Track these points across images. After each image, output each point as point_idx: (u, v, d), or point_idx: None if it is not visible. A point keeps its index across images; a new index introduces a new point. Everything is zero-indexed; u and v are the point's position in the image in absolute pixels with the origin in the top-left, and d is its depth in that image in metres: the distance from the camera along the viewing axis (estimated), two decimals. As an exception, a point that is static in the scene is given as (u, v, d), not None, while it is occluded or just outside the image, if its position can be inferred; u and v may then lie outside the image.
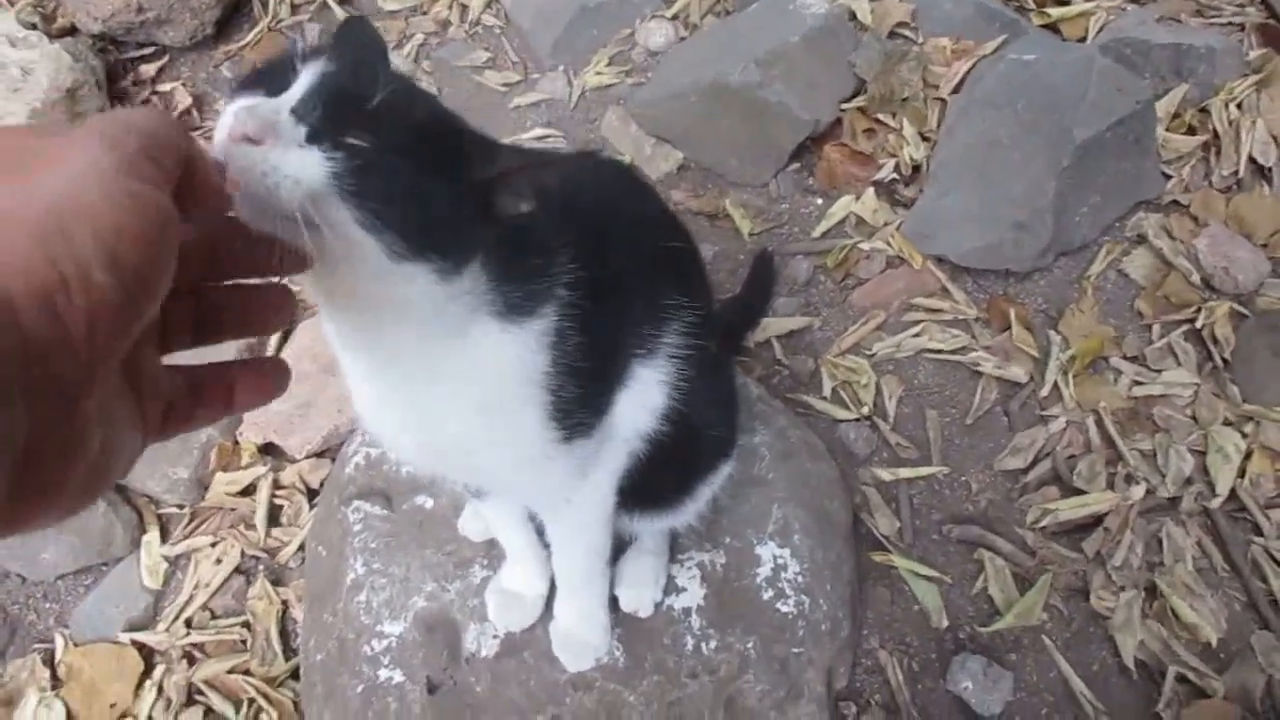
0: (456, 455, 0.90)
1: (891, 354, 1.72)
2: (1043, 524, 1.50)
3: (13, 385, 0.34)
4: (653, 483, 1.04)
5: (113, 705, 1.40)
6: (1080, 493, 1.52)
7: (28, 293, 0.34)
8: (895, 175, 1.97)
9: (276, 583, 1.50)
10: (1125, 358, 1.70)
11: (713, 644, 1.25)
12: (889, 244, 1.86)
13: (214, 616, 1.49)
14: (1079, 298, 1.78)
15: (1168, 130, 1.95)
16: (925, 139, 1.99)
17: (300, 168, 0.56)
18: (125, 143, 0.40)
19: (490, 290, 0.74)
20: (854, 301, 1.80)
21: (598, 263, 0.84)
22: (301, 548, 1.52)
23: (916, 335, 1.74)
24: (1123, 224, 1.87)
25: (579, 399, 0.84)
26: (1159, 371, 1.68)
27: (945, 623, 1.42)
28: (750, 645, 1.25)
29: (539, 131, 2.13)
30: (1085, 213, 1.81)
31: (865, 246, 1.87)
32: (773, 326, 1.74)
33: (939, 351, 1.72)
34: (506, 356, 0.78)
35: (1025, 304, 1.78)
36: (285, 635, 1.45)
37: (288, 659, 1.42)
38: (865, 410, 1.64)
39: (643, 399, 0.95)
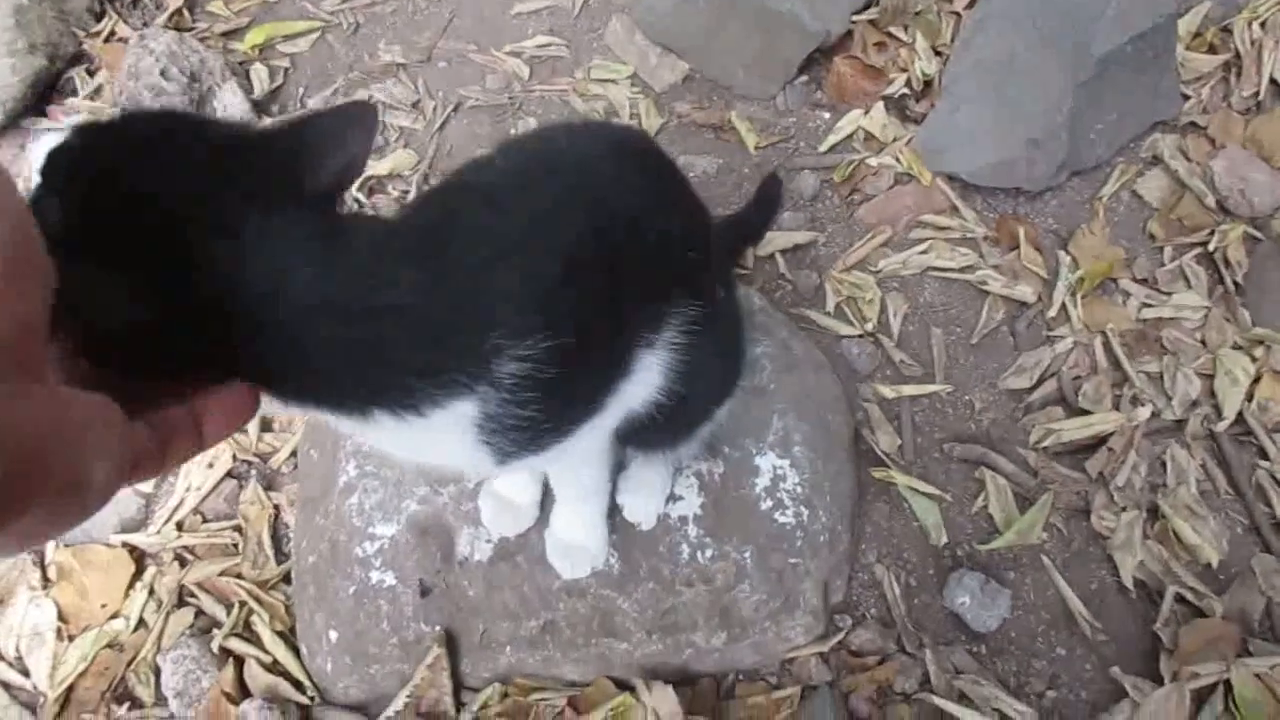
0: None
1: (897, 271, 1.68)
2: (1045, 444, 1.48)
3: None
4: (650, 432, 1.00)
5: (104, 605, 1.39)
6: (1085, 413, 1.50)
7: None
8: (906, 90, 1.91)
9: (269, 488, 1.49)
10: (1135, 280, 1.67)
11: (709, 553, 1.23)
12: (898, 160, 1.82)
13: (205, 520, 1.48)
14: (1090, 218, 1.74)
15: (1188, 49, 1.89)
16: (938, 53, 1.93)
17: None
18: None
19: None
20: (860, 217, 1.76)
21: (600, 302, 0.78)
22: (294, 454, 1.50)
23: (923, 253, 1.70)
24: (1138, 144, 1.82)
25: (533, 442, 0.77)
26: (1169, 294, 1.64)
27: (944, 540, 1.40)
28: (747, 555, 1.23)
29: (540, 39, 2.07)
30: (1100, 131, 1.76)
31: (873, 162, 1.82)
32: (777, 240, 1.70)
33: (946, 269, 1.69)
34: (416, 441, 0.72)
35: (1035, 224, 1.74)
36: (277, 540, 1.44)
37: (279, 563, 1.41)
38: (869, 327, 1.61)
39: (639, 379, 0.89)
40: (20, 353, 0.39)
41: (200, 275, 0.53)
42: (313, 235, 0.57)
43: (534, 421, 0.73)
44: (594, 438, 0.91)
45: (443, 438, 0.71)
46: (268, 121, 1.96)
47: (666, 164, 0.96)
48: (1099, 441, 1.47)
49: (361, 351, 0.62)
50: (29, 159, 1.88)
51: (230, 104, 1.93)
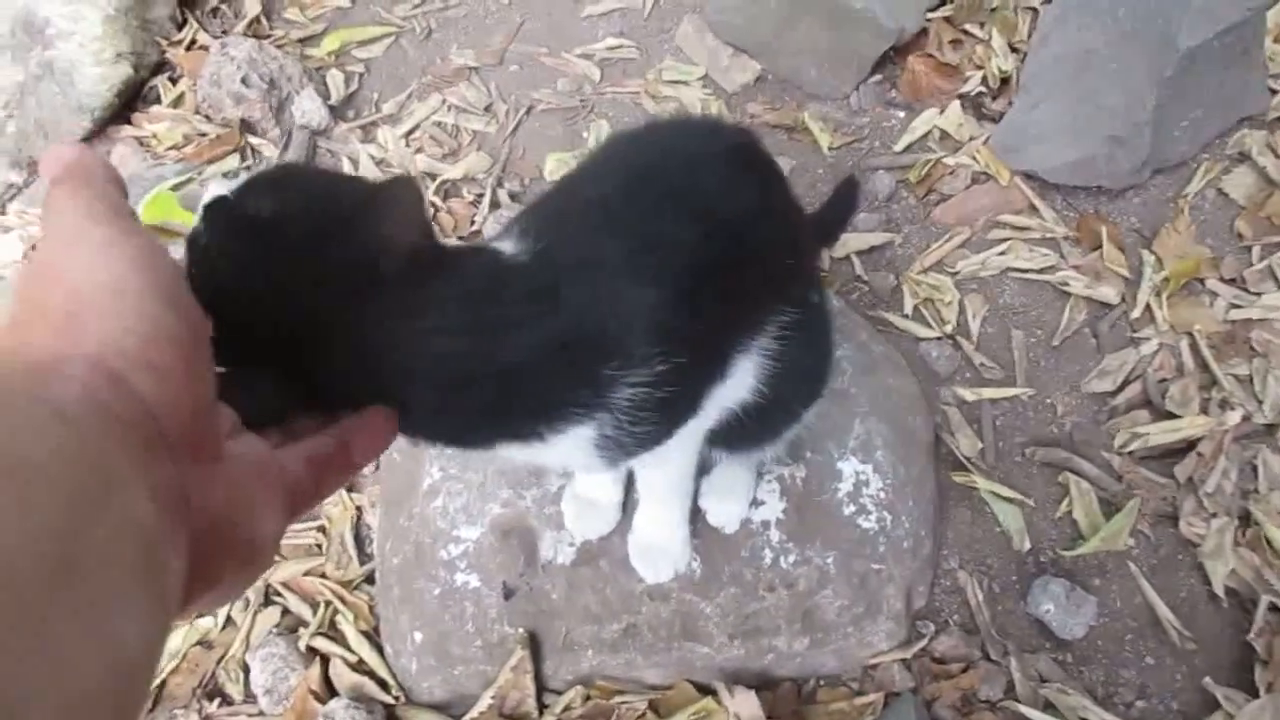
0: None
1: (976, 272, 1.66)
2: (1131, 448, 1.45)
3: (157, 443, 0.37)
4: (737, 433, 1.00)
5: (193, 603, 1.42)
6: (1172, 417, 1.47)
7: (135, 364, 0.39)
8: (982, 88, 1.89)
9: (350, 489, 1.51)
10: (1222, 280, 1.63)
11: (791, 557, 1.23)
12: (974, 159, 1.80)
13: (290, 520, 1.50)
14: (1175, 217, 1.70)
15: (1276, 42, 1.84)
16: (1014, 50, 1.90)
17: None
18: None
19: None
20: (937, 218, 1.74)
21: (702, 329, 0.77)
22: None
23: (1002, 253, 1.68)
24: (1224, 140, 1.78)
25: (645, 443, 0.78)
26: (1258, 294, 1.60)
27: (1027, 545, 1.38)
28: (829, 560, 1.23)
29: (611, 41, 2.07)
30: (1185, 127, 1.72)
31: (949, 161, 1.80)
32: (852, 242, 1.69)
33: (1025, 270, 1.66)
34: (531, 453, 0.74)
35: (1117, 223, 1.71)
36: (359, 541, 1.46)
37: (362, 564, 1.43)
38: (948, 329, 1.59)
39: (734, 382, 0.89)
40: (197, 434, 0.41)
41: (341, 359, 0.58)
42: (440, 301, 0.61)
43: (649, 434, 0.75)
44: (691, 438, 0.91)
45: (560, 453, 0.74)
46: (343, 127, 1.99)
47: (770, 164, 0.95)
48: (1187, 446, 1.44)
49: (489, 402, 0.66)
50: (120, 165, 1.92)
51: (308, 110, 1.96)
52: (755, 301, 0.86)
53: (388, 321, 0.59)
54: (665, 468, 1.04)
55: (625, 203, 0.79)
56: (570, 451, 0.74)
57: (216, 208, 0.59)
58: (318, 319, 0.56)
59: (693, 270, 0.75)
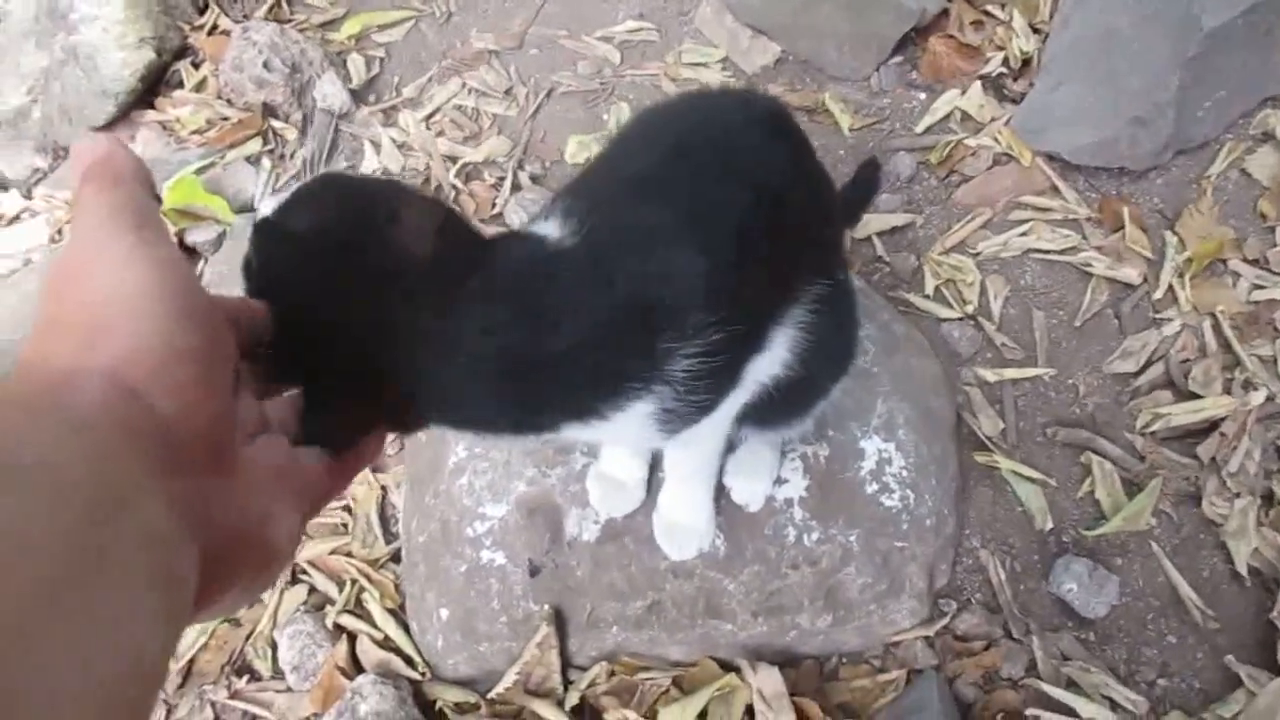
0: None
1: (997, 253, 1.66)
2: (1153, 429, 1.45)
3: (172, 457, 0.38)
4: (768, 409, 1.00)
5: (220, 581, 1.44)
6: (1195, 397, 1.47)
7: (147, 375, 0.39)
8: (1004, 69, 1.88)
9: (375, 469, 1.52)
10: (1245, 260, 1.62)
11: (814, 535, 1.23)
12: (996, 140, 1.79)
13: (315, 500, 1.52)
14: (1197, 198, 1.69)
15: (1301, 21, 1.83)
16: (1036, 31, 1.89)
17: None
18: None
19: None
20: (958, 199, 1.74)
21: (749, 291, 0.78)
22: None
23: (1024, 234, 1.68)
24: (1247, 121, 1.77)
25: (697, 413, 0.80)
26: (1281, 275, 1.60)
27: (1049, 525, 1.38)
28: (853, 538, 1.23)
29: (630, 24, 2.07)
30: (1208, 108, 1.71)
31: (971, 143, 1.80)
32: (874, 223, 1.69)
33: (1047, 251, 1.66)
34: (592, 431, 0.75)
35: (1140, 204, 1.71)
36: (385, 519, 1.48)
37: (387, 542, 1.44)
38: (969, 309, 1.59)
39: (770, 355, 0.90)
40: (213, 447, 0.42)
41: (394, 367, 0.58)
42: (484, 297, 0.62)
43: (703, 404, 0.76)
44: (726, 414, 0.92)
45: (620, 430, 0.75)
46: (364, 111, 2.00)
47: (801, 133, 0.95)
48: (1210, 426, 1.44)
49: (551, 387, 0.67)
50: (138, 151, 1.94)
51: (329, 94, 1.97)
52: (794, 268, 0.87)
53: (428, 323, 0.59)
54: (696, 446, 1.05)
55: (666, 174, 0.80)
56: (631, 427, 0.75)
57: (261, 229, 0.60)
58: (366, 330, 0.57)
59: (740, 236, 0.77)
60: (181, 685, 1.37)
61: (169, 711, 1.35)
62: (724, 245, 0.75)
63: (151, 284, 0.41)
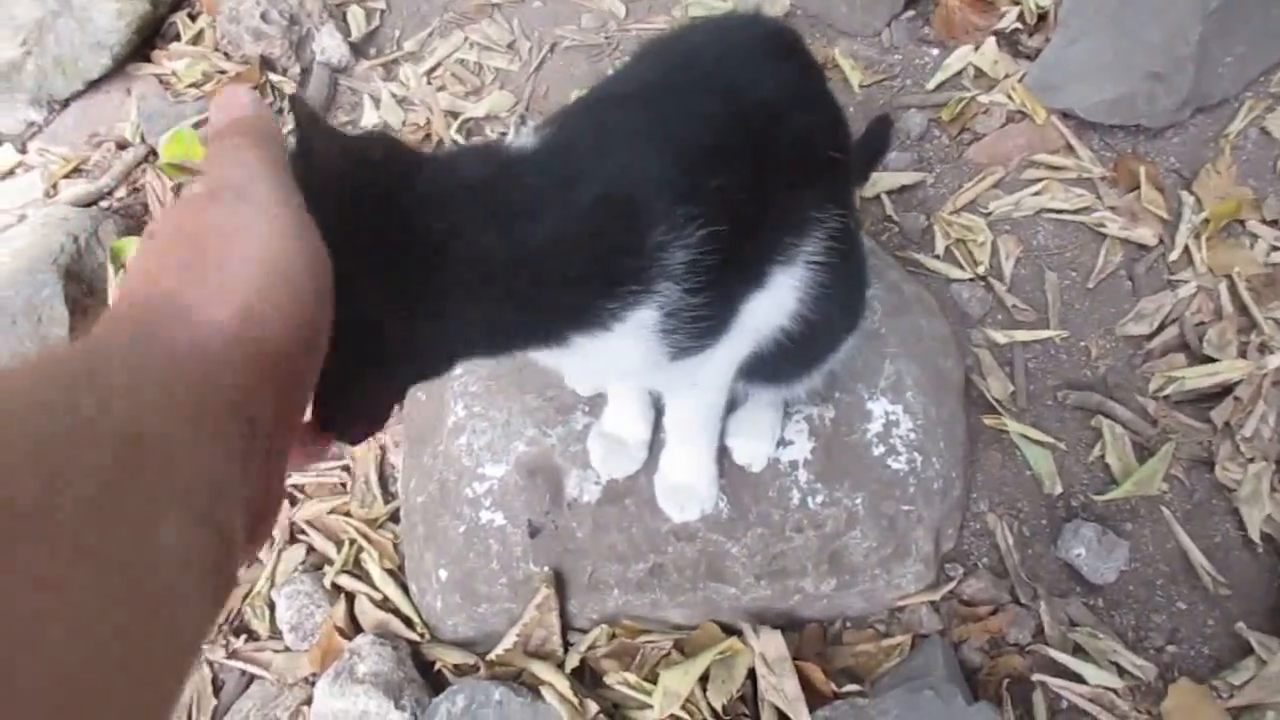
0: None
1: (1009, 213, 1.63)
2: (1166, 392, 1.43)
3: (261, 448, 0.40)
4: (772, 364, 0.98)
5: (218, 540, 1.42)
6: (1210, 361, 1.44)
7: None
8: (1018, 24, 1.84)
9: (374, 428, 1.50)
10: (1264, 221, 1.58)
11: (819, 498, 1.21)
12: (1009, 97, 1.75)
13: (313, 460, 1.50)
14: (1215, 157, 1.65)
15: (1326, -25, 1.78)
16: (1052, -15, 1.85)
17: None
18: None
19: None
20: (970, 157, 1.71)
21: (744, 195, 0.77)
22: (398, 395, 1.51)
23: (1037, 194, 1.64)
24: (1268, 78, 1.72)
25: (702, 335, 0.79)
26: (1300, 237, 1.56)
27: (1058, 489, 1.36)
28: (858, 501, 1.21)
29: (637, -23, 2.03)
30: (1229, 64, 1.67)
31: (984, 100, 1.76)
32: (883, 181, 1.66)
33: (1060, 211, 1.62)
34: (598, 351, 0.75)
35: (1156, 162, 1.67)
36: (384, 479, 1.46)
37: (386, 502, 1.43)
38: (980, 270, 1.56)
39: (775, 300, 0.87)
40: (295, 431, 0.46)
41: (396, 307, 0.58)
42: (477, 205, 0.63)
43: (706, 310, 0.75)
44: (729, 358, 0.91)
45: (629, 345, 0.74)
46: (364, 65, 1.96)
47: (809, 55, 0.93)
48: (1224, 390, 1.41)
49: (544, 291, 0.67)
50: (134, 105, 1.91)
51: (328, 47, 1.93)
52: (795, 191, 0.84)
53: (407, 237, 0.59)
54: (696, 401, 1.03)
55: (655, 89, 0.80)
56: (637, 343, 0.74)
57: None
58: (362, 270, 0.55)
59: (721, 138, 0.76)
60: (179, 644, 1.36)
61: (167, 671, 1.34)
62: (703, 148, 0.74)
63: (291, 258, 0.43)
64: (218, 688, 1.32)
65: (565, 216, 0.66)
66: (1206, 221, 1.57)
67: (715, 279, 0.74)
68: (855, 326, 1.09)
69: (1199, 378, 1.42)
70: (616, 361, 0.79)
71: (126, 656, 0.30)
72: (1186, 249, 1.56)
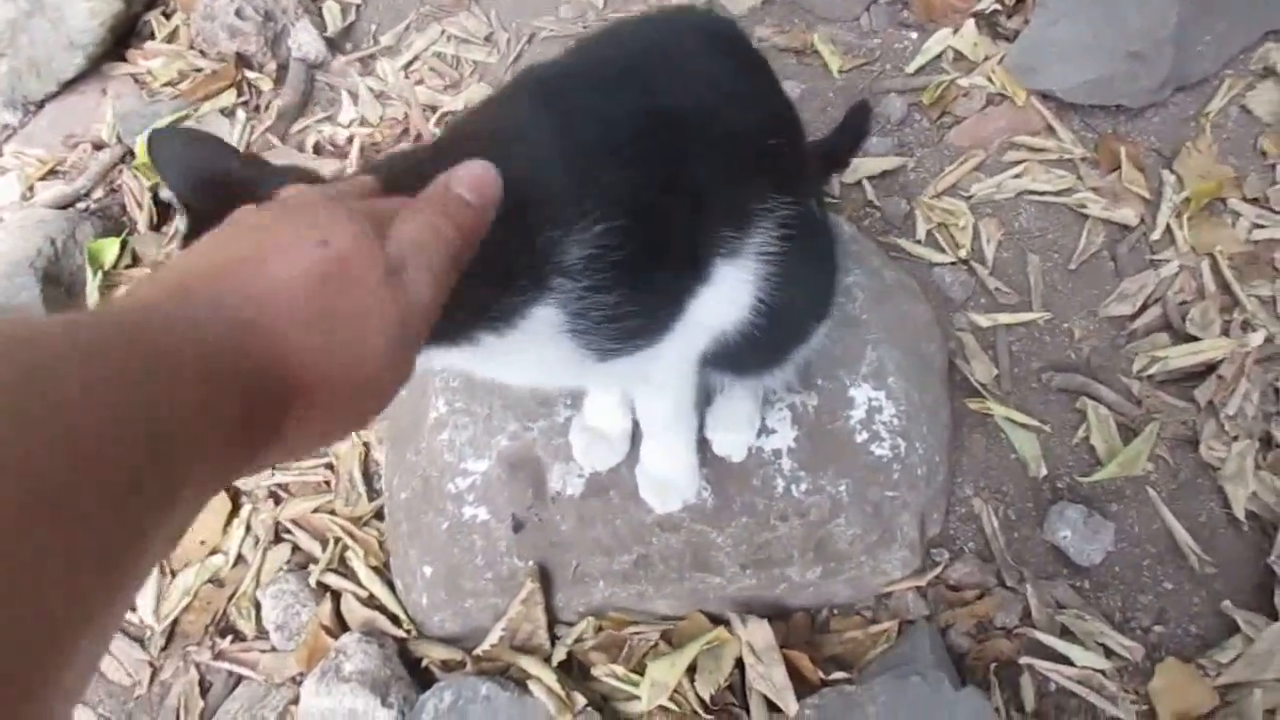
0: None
1: (991, 195, 1.62)
2: (1150, 372, 1.42)
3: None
4: (739, 356, 0.97)
5: (203, 542, 1.42)
6: (1193, 340, 1.44)
7: None
8: (997, 6, 1.83)
9: (356, 426, 1.49)
10: (1245, 199, 1.58)
11: (804, 486, 1.21)
12: (990, 80, 1.75)
13: (297, 459, 1.50)
14: (1196, 135, 1.65)
15: (1303, -49, 1.78)
16: (1031, -35, 1.84)
17: None
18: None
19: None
20: (951, 141, 1.70)
21: (662, 189, 0.76)
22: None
23: (1018, 176, 1.64)
24: (1248, 55, 1.72)
25: (628, 336, 0.78)
26: (1282, 214, 1.56)
27: (1043, 472, 1.36)
28: (842, 488, 1.21)
29: (614, -35, 2.02)
30: (1208, 42, 1.66)
31: (964, 83, 1.75)
32: (864, 167, 1.65)
33: (1042, 193, 1.62)
34: (517, 355, 0.75)
35: (1137, 142, 1.66)
36: (368, 477, 1.45)
37: (370, 500, 1.42)
38: (962, 254, 1.56)
39: (726, 294, 0.86)
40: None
41: None
42: None
43: (620, 308, 0.74)
44: (681, 353, 0.90)
45: (543, 347, 0.74)
46: (341, 60, 1.95)
47: (749, 51, 0.92)
48: (1208, 369, 1.41)
49: None
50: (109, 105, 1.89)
51: (305, 42, 1.91)
52: (730, 185, 0.83)
53: None
54: (662, 396, 1.02)
55: (568, 83, 0.79)
56: (545, 344, 0.74)
57: None
58: None
59: (632, 142, 0.75)
60: (165, 646, 1.35)
61: (154, 672, 1.34)
62: (599, 146, 0.74)
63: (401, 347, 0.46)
64: (205, 689, 1.31)
65: None
66: (1188, 200, 1.57)
67: (633, 276, 0.73)
68: (825, 315, 1.08)
69: (1182, 357, 1.42)
70: (536, 364, 0.79)
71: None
72: (1168, 228, 1.56)
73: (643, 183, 0.75)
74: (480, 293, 0.68)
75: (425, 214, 0.50)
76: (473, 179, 0.53)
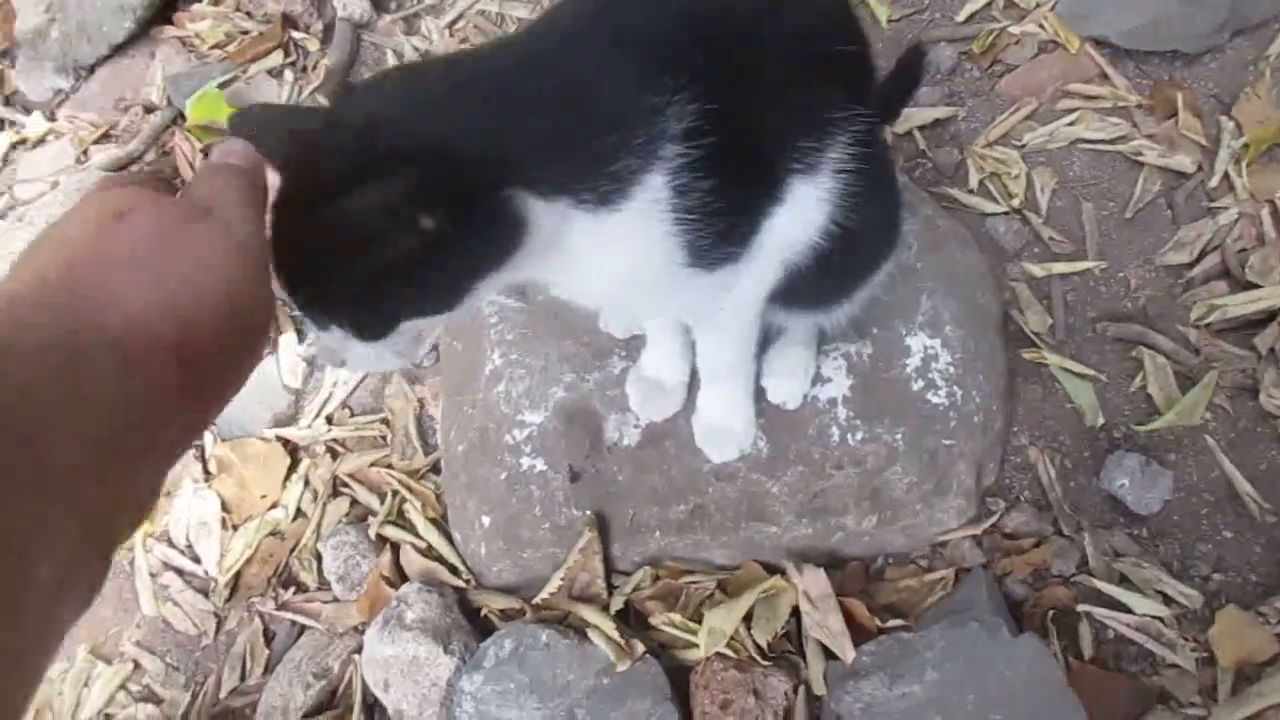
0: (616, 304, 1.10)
1: (1044, 144, 1.60)
2: (1208, 320, 1.41)
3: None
4: (808, 287, 0.97)
5: (263, 496, 1.45)
6: (1253, 287, 1.41)
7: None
8: (1049, -49, 1.80)
9: (412, 381, 1.51)
10: (1307, 144, 1.55)
11: (859, 435, 1.21)
12: (1042, 26, 1.72)
13: (353, 414, 1.52)
14: (1255, 80, 1.61)
15: (1368, -113, 1.72)
16: (1084, -91, 1.80)
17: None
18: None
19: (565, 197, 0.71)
20: (1002, 89, 1.68)
21: (738, 87, 0.76)
22: (434, 348, 1.51)
23: (1071, 124, 1.61)
24: (1309, -3, 1.68)
25: (718, 237, 0.78)
26: (1344, 159, 1.53)
27: (1100, 421, 1.35)
28: (899, 436, 1.21)
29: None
30: (1268, -17, 1.63)
31: (1015, 30, 1.72)
32: (914, 117, 1.63)
33: (1096, 141, 1.59)
34: (612, 247, 0.76)
35: (1194, 88, 1.63)
36: (423, 431, 1.47)
37: (426, 453, 1.44)
38: (1015, 203, 1.54)
39: (801, 215, 0.86)
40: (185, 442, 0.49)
41: None
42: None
43: (715, 199, 0.74)
44: (754, 285, 0.91)
45: (640, 239, 0.75)
46: (386, 19, 1.95)
47: None
48: (1268, 316, 1.39)
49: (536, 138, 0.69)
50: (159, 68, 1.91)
51: (350, 3, 1.92)
52: (804, 88, 0.81)
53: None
54: (726, 339, 1.02)
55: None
56: (649, 232, 0.75)
57: None
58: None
59: (708, 31, 0.76)
60: (230, 598, 1.39)
61: (219, 623, 1.37)
62: (681, 33, 0.75)
63: (240, 265, 0.49)
64: (269, 638, 1.34)
65: (564, 72, 0.71)
66: (1246, 146, 1.54)
67: (723, 171, 0.74)
68: (894, 244, 1.08)
69: (1241, 305, 1.40)
70: (627, 269, 0.79)
71: None
72: (1226, 175, 1.53)
73: (724, 70, 0.75)
74: (595, 144, 0.70)
75: (204, 173, 0.56)
76: (230, 151, 0.59)
